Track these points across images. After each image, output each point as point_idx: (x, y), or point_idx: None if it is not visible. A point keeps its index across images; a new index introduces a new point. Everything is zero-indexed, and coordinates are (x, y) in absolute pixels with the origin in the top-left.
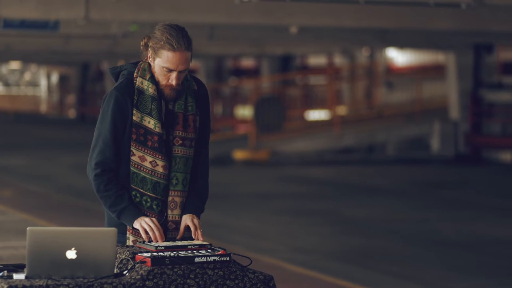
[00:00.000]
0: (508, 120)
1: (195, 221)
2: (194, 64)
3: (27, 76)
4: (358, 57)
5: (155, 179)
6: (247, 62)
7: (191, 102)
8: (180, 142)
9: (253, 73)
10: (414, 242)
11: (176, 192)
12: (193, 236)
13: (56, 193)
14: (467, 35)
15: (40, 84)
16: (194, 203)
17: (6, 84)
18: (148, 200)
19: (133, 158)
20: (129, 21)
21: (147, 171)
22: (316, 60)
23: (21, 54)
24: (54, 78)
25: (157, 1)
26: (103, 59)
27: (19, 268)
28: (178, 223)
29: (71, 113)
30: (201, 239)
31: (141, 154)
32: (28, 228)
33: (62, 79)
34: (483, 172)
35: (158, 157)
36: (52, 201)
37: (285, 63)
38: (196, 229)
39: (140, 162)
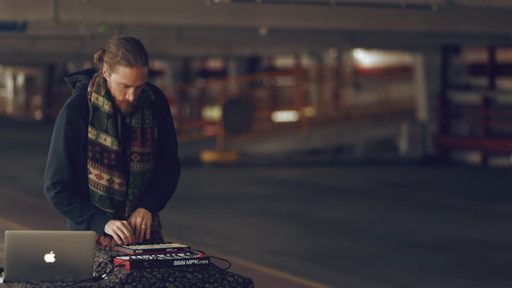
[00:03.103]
0: (475, 121)
1: (138, 220)
2: (161, 65)
3: None
4: (325, 59)
5: (111, 196)
6: (214, 63)
7: (148, 114)
8: (139, 158)
9: (220, 74)
10: (384, 243)
11: (131, 208)
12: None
13: (24, 195)
14: (435, 36)
15: (6, 85)
16: (151, 197)
17: None
18: (111, 217)
19: (90, 176)
20: (98, 23)
21: (103, 189)
22: (284, 61)
23: None
24: (20, 79)
25: (125, 3)
26: (69, 60)
27: None
28: None
29: (37, 115)
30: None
31: (97, 172)
32: (6, 232)
33: (28, 80)
34: (451, 173)
35: (115, 175)
36: (21, 203)
37: (252, 65)
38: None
39: (97, 180)
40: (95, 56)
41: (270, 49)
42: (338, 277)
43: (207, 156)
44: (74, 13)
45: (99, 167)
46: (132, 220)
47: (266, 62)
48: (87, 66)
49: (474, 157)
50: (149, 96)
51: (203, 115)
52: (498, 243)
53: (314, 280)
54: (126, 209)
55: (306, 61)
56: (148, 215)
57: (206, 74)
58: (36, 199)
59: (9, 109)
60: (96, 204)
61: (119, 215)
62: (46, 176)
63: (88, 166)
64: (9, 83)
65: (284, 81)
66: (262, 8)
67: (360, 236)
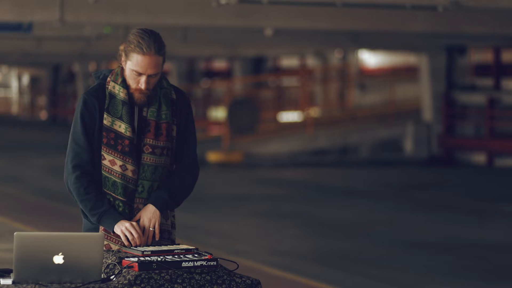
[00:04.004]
0: (481, 121)
1: (146, 221)
2: (166, 66)
3: None
4: (330, 59)
5: (125, 183)
6: (220, 64)
7: (166, 110)
8: (150, 150)
9: (226, 75)
10: (389, 244)
11: (140, 200)
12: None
13: (30, 195)
14: (441, 37)
15: (11, 86)
16: (160, 194)
17: None
18: (120, 204)
19: (104, 162)
20: (104, 23)
21: (117, 175)
22: (289, 62)
23: None
24: (25, 79)
25: (131, 3)
26: (74, 61)
27: (5, 273)
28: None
29: (43, 115)
30: (150, 239)
31: (111, 158)
32: (15, 233)
33: (33, 80)
34: (456, 174)
35: (128, 161)
36: (27, 203)
37: (257, 65)
38: (144, 231)
39: (111, 166)
40: (120, 48)
41: (275, 50)
42: (344, 278)
43: (213, 156)
44: (80, 14)
45: (113, 153)
46: (141, 221)
47: (271, 62)
48: (92, 66)
49: (480, 158)
50: (168, 94)
51: (208, 115)
52: (504, 244)
53: (320, 281)
54: (136, 200)
55: (311, 62)
56: (157, 215)
57: (211, 74)
58: (42, 200)
59: (14, 109)
60: (108, 191)
61: (129, 204)
62: (67, 161)
63: (102, 152)
64: (14, 84)
65: (289, 82)
66: (268, 9)
67: (366, 237)
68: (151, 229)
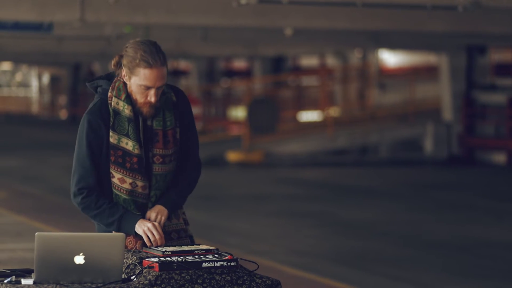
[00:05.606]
0: (501, 121)
1: (153, 216)
2: (186, 65)
3: (18, 77)
4: (350, 58)
5: (135, 199)
6: (239, 64)
7: (169, 116)
8: (161, 160)
9: (245, 74)
10: (409, 244)
11: None
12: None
13: (50, 195)
14: (461, 37)
15: (31, 85)
16: (169, 195)
17: None
18: (140, 215)
19: (113, 180)
20: (124, 23)
21: (126, 192)
22: (309, 61)
23: (13, 55)
24: (45, 78)
25: (151, 3)
26: (94, 60)
27: (26, 273)
28: None
29: (63, 114)
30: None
31: (120, 176)
32: (36, 234)
33: (54, 79)
34: (476, 174)
35: (138, 178)
36: (47, 202)
37: (277, 65)
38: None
39: (120, 184)
40: (113, 62)
41: (295, 49)
42: (364, 278)
43: (232, 156)
44: (100, 14)
45: (121, 171)
46: (147, 214)
47: (291, 62)
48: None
49: (500, 158)
50: (169, 98)
51: (228, 115)
52: None
53: (339, 280)
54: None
55: (331, 61)
56: (164, 212)
57: (231, 74)
58: (62, 199)
59: (35, 108)
60: None
61: (143, 217)
62: (72, 183)
63: (111, 170)
64: (35, 83)
65: (309, 81)
66: (287, 8)
67: (385, 237)
68: (155, 223)
